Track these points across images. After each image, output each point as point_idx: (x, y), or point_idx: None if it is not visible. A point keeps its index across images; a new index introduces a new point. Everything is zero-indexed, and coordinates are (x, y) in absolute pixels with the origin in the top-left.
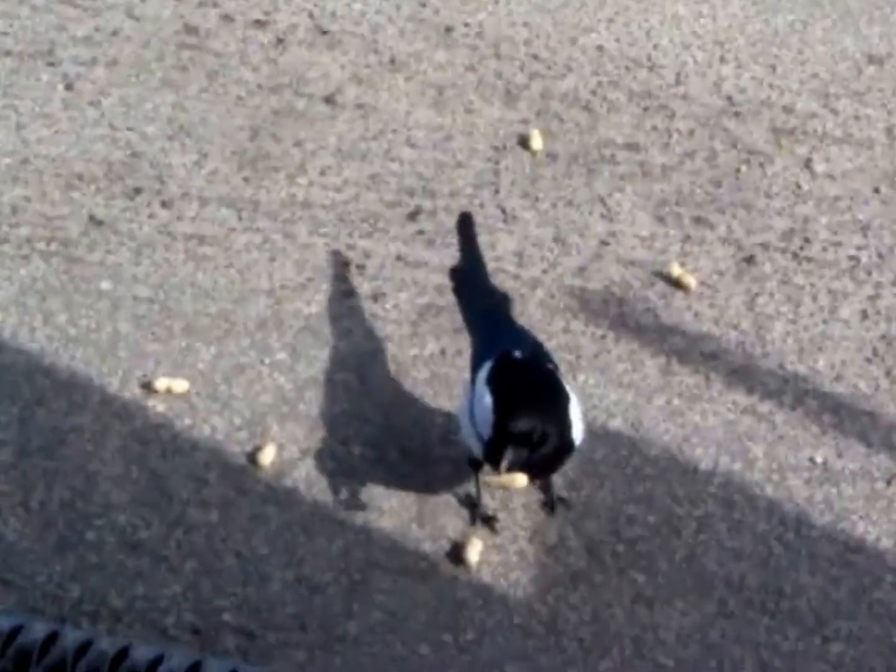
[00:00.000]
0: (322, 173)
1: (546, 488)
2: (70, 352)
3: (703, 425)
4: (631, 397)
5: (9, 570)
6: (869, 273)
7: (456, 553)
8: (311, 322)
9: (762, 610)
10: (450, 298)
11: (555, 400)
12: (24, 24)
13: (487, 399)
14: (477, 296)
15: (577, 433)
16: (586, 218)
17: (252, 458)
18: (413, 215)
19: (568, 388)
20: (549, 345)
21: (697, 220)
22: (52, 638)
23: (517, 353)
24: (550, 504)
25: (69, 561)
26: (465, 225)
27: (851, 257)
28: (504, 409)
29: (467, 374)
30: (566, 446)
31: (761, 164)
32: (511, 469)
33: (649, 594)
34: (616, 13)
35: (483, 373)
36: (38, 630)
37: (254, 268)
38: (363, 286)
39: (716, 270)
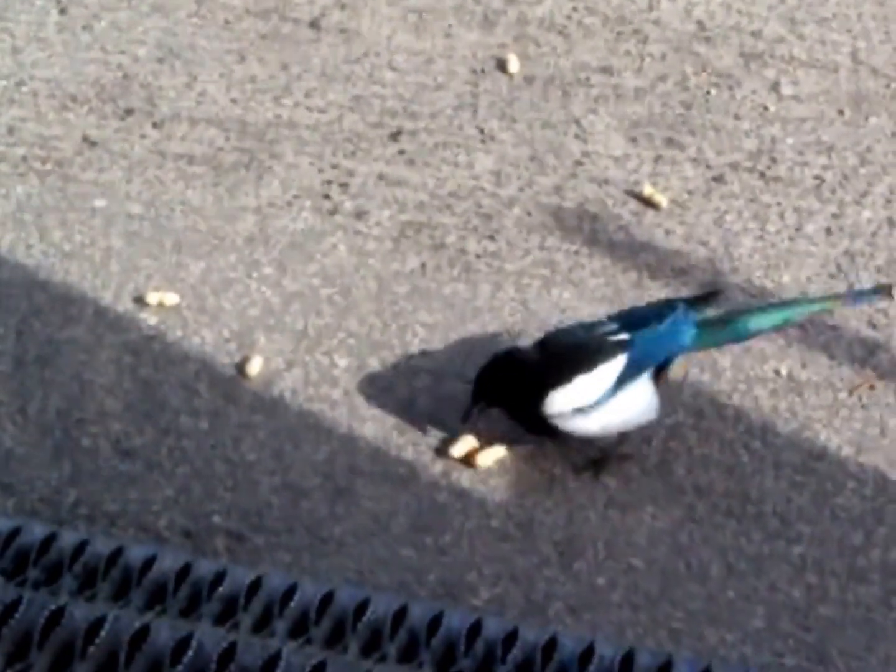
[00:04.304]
0: (307, 95)
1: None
2: (65, 267)
3: None
4: (604, 311)
5: (8, 475)
6: (833, 192)
7: (437, 456)
8: (296, 238)
9: (728, 514)
10: (430, 215)
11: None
12: None
13: None
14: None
15: (579, 396)
16: (562, 138)
17: (240, 368)
18: (395, 136)
19: (609, 358)
20: (525, 261)
21: (669, 141)
22: (49, 540)
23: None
24: (593, 463)
25: (65, 467)
26: None
27: (816, 177)
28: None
29: (447, 289)
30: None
31: (730, 88)
32: (467, 413)
33: (621, 499)
34: None
35: None
36: (35, 532)
37: (241, 186)
38: (346, 204)
39: (686, 189)
